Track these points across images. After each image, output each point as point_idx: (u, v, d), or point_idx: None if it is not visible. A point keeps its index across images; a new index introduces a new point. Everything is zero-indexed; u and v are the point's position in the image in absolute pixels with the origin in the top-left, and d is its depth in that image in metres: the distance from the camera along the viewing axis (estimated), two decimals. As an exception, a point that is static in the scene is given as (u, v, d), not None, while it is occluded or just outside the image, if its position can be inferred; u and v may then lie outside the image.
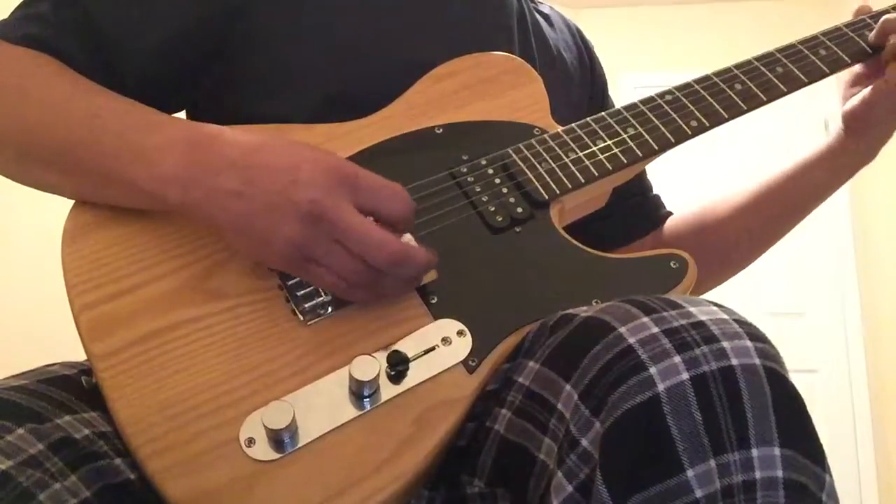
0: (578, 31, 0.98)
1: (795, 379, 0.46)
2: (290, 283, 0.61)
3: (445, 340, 0.59)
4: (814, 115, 3.48)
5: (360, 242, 0.55)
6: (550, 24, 0.94)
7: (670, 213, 0.95)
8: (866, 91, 0.77)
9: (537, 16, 0.92)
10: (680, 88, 0.75)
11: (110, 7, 0.69)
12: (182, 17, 0.71)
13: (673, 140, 0.72)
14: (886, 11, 0.79)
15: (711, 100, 0.74)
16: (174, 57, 0.71)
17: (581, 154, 0.71)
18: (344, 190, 0.56)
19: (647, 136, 0.72)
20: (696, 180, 3.43)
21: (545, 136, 0.72)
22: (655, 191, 0.96)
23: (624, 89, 3.45)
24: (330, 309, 0.60)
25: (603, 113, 0.74)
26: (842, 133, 0.81)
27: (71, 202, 0.66)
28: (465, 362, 0.58)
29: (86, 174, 0.63)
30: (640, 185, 0.94)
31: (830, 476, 0.45)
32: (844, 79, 0.81)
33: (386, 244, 0.56)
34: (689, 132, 0.72)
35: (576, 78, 0.92)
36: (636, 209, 0.92)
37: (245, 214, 0.56)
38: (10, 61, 0.67)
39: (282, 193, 0.55)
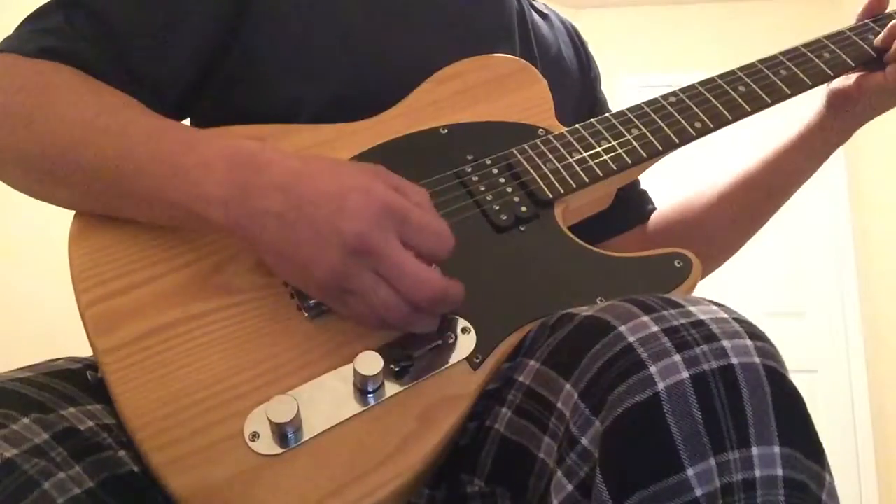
0: (574, 28, 0.99)
1: (795, 379, 0.47)
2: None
3: (450, 337, 0.59)
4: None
5: (406, 280, 0.54)
6: (549, 23, 0.94)
7: (655, 209, 0.95)
8: (863, 76, 0.78)
9: (536, 16, 0.92)
10: (684, 90, 0.75)
11: (126, 12, 0.69)
12: (200, 17, 0.71)
13: (677, 141, 0.72)
14: (891, 16, 0.80)
15: (715, 101, 0.74)
16: (194, 56, 0.71)
17: (585, 154, 0.71)
18: (391, 224, 0.54)
19: (651, 136, 0.72)
20: (697, 182, 3.43)
21: (549, 136, 0.72)
22: (644, 187, 0.97)
23: (625, 90, 3.44)
24: (335, 305, 0.60)
25: (607, 114, 0.74)
26: (822, 109, 0.82)
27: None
28: (469, 359, 0.59)
29: (119, 194, 0.61)
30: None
31: (830, 475, 0.45)
32: None
33: (430, 282, 0.54)
34: (694, 133, 0.72)
35: (575, 75, 0.93)
36: (624, 202, 0.90)
37: (288, 239, 0.55)
38: (32, 76, 0.65)
39: (328, 222, 0.54)
